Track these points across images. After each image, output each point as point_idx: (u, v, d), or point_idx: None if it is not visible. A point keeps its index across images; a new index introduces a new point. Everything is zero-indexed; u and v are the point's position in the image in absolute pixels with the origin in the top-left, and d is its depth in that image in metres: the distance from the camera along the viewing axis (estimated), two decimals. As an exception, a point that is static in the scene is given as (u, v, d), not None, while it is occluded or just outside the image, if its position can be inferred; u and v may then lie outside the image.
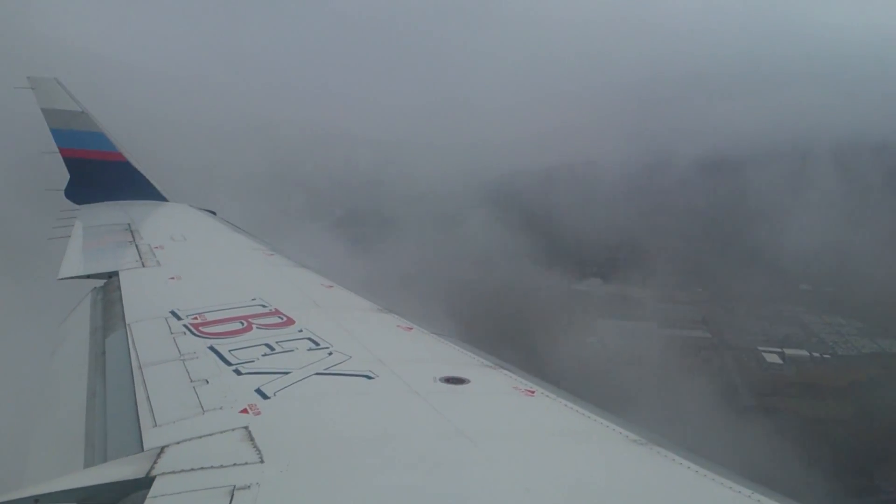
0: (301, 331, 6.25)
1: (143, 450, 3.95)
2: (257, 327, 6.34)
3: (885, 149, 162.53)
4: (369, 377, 5.13)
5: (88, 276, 9.27)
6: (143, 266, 9.36)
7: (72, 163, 15.70)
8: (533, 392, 5.12)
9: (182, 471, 3.60)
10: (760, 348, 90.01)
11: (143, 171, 16.22)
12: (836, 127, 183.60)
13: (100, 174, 15.82)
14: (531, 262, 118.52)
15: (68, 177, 15.64)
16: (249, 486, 3.39)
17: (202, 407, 4.53)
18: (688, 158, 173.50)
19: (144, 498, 3.35)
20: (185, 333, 6.18)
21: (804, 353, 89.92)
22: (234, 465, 3.64)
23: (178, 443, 3.96)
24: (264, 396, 4.65)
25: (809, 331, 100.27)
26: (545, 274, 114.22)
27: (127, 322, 6.70)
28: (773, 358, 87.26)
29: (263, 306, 7.08)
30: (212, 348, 5.72)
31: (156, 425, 4.31)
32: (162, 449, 3.88)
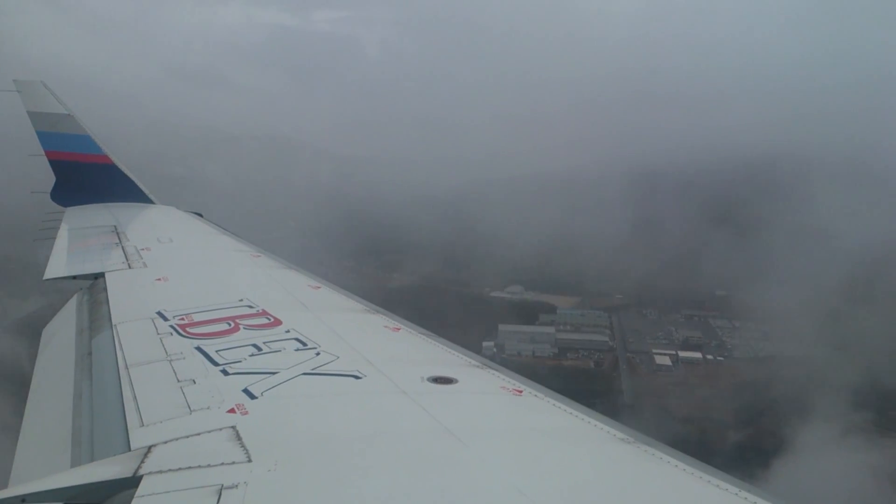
0: (288, 331, 6.24)
1: (130, 449, 3.93)
2: (244, 328, 6.33)
3: (810, 160, 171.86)
4: (357, 377, 5.13)
5: (75, 278, 9.24)
6: (130, 267, 9.33)
7: (58, 165, 15.59)
8: (521, 391, 5.13)
9: (169, 470, 3.58)
10: (654, 351, 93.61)
11: (129, 174, 16.12)
12: (763, 139, 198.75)
13: (86, 176, 15.72)
14: (458, 268, 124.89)
15: (54, 179, 15.53)
16: (237, 486, 3.38)
17: (189, 407, 4.52)
18: (619, 169, 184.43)
19: (132, 497, 3.34)
20: (171, 334, 6.17)
21: (698, 355, 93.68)
22: (222, 464, 3.63)
23: (165, 442, 3.95)
24: (252, 396, 4.64)
25: (714, 334, 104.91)
26: (469, 279, 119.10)
27: (113, 323, 6.67)
28: (664, 360, 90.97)
29: (251, 307, 7.07)
30: (199, 349, 5.70)
31: (143, 425, 4.29)
32: (149, 448, 3.86)
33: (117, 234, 11.86)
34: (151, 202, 15.94)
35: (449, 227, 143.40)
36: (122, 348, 5.86)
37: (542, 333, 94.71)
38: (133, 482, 3.48)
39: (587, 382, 77.22)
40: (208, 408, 4.48)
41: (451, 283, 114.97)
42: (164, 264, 9.65)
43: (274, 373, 5.09)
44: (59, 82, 16.81)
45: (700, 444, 63.34)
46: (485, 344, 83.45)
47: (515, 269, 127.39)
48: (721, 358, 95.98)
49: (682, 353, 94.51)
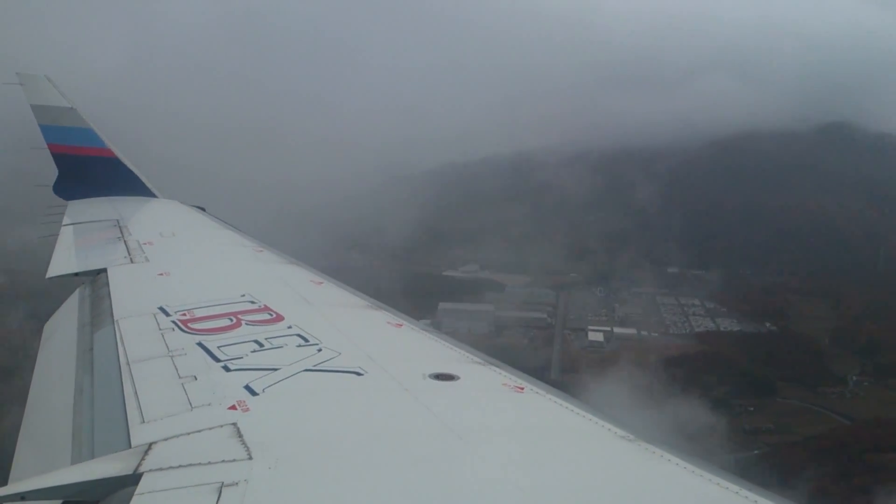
0: (290, 327, 6.21)
1: (130, 446, 3.92)
2: (246, 324, 6.31)
3: (777, 137, 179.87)
4: (359, 374, 5.11)
5: (77, 274, 9.22)
6: (132, 262, 9.31)
7: (60, 159, 15.57)
8: (522, 388, 5.11)
9: (170, 467, 3.57)
10: (590, 328, 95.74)
11: (132, 167, 16.11)
12: (721, 121, 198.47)
13: (88, 170, 15.71)
14: (418, 248, 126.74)
15: (57, 173, 15.51)
16: (237, 483, 3.37)
17: (190, 403, 4.50)
18: (580, 150, 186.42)
19: (132, 494, 3.32)
20: (173, 330, 6.14)
21: (633, 332, 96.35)
22: (223, 461, 3.61)
23: (165, 439, 3.93)
24: (253, 393, 4.62)
25: (655, 311, 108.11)
26: (428, 259, 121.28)
27: (115, 318, 6.65)
28: (597, 336, 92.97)
29: (252, 302, 7.04)
30: (200, 345, 5.68)
31: (144, 422, 4.27)
32: (150, 445, 3.84)
33: (120, 228, 11.84)
34: (154, 196, 15.91)
35: (414, 208, 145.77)
36: (123, 344, 5.84)
37: (481, 311, 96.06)
38: (133, 479, 3.47)
39: (517, 359, 79.07)
40: (209, 404, 4.46)
41: (409, 263, 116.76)
42: (166, 259, 9.60)
43: (276, 369, 5.06)
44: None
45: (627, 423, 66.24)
46: (421, 321, 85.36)
47: (476, 248, 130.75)
48: (655, 334, 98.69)
49: (617, 330, 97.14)
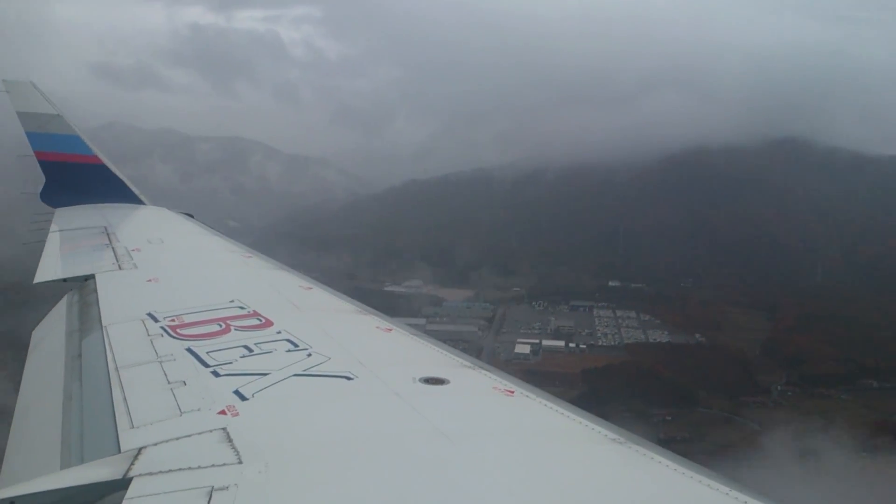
0: (280, 332, 6.22)
1: (120, 451, 3.93)
2: (235, 329, 6.31)
3: (726, 153, 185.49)
4: (349, 378, 5.13)
5: (65, 280, 9.21)
6: (120, 269, 9.32)
7: (47, 166, 15.50)
8: (512, 392, 5.13)
9: (160, 472, 3.59)
10: (518, 340, 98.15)
11: (119, 174, 16.10)
12: (673, 135, 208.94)
13: (76, 177, 15.67)
14: (368, 264, 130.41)
15: (44, 180, 15.46)
16: (228, 487, 3.39)
17: (180, 408, 4.51)
18: (528, 167, 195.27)
19: (122, 499, 3.34)
20: (162, 335, 6.16)
21: (561, 344, 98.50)
22: (213, 465, 3.63)
23: (155, 444, 3.95)
24: (242, 398, 4.64)
25: (590, 324, 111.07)
26: (375, 275, 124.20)
27: (103, 324, 6.67)
28: (523, 349, 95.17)
29: (242, 308, 7.05)
30: (189, 350, 5.69)
31: (133, 427, 4.28)
32: (139, 450, 3.86)
33: (108, 235, 11.82)
34: (142, 203, 15.89)
35: (371, 225, 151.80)
36: (112, 350, 5.86)
37: (411, 326, 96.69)
38: (123, 484, 3.49)
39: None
40: (199, 409, 4.47)
41: (353, 279, 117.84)
42: (154, 265, 9.63)
43: (265, 374, 5.09)
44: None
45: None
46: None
47: (425, 264, 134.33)
48: (584, 346, 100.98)
49: (546, 342, 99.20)
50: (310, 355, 5.59)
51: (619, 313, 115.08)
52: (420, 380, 5.14)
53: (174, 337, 6.11)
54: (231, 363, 5.36)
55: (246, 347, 5.74)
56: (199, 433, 4.06)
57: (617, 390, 77.70)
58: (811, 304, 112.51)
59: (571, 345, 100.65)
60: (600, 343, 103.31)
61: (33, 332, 8.25)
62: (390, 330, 6.94)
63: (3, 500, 3.44)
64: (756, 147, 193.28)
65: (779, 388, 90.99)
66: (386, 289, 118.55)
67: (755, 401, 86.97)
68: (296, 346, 5.84)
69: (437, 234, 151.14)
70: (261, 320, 6.63)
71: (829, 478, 58.99)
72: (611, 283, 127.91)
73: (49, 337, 7.67)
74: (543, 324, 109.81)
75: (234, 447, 3.85)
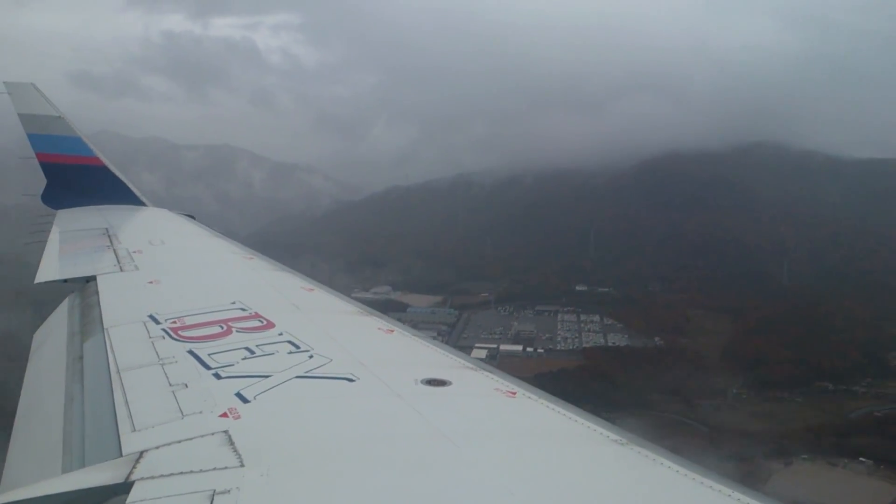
0: (281, 334, 6.20)
1: (121, 455, 3.91)
2: (237, 331, 6.29)
3: (700, 157, 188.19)
4: (350, 380, 5.12)
5: (66, 281, 9.21)
6: (122, 270, 9.30)
7: (49, 168, 15.52)
8: (514, 393, 5.12)
9: (161, 476, 3.57)
10: (476, 345, 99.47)
11: (121, 176, 16.16)
12: (647, 140, 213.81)
13: (77, 179, 15.68)
14: (344, 270, 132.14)
15: (45, 182, 15.49)
16: (230, 491, 3.37)
17: (181, 411, 4.49)
18: (506, 172, 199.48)
19: (123, 503, 3.33)
20: (163, 337, 6.13)
21: (518, 348, 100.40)
22: (214, 469, 3.61)
23: (157, 447, 3.94)
24: (244, 400, 4.63)
25: (552, 328, 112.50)
26: (342, 280, 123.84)
27: (105, 326, 6.64)
28: (480, 353, 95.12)
29: (243, 310, 7.02)
30: (191, 352, 5.66)
31: (134, 430, 4.27)
32: (141, 454, 3.84)
33: (109, 236, 11.80)
34: (143, 204, 15.89)
35: (351, 231, 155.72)
36: (113, 352, 5.84)
37: None
38: (125, 488, 3.47)
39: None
40: (200, 412, 4.45)
41: (326, 285, 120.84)
42: (155, 267, 9.61)
43: (267, 376, 5.07)
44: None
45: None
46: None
47: (399, 270, 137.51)
48: (542, 351, 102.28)
49: (504, 347, 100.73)
50: (311, 357, 5.57)
51: (583, 317, 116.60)
52: (422, 381, 5.13)
53: (176, 339, 6.10)
54: (233, 365, 5.35)
55: (248, 349, 5.72)
56: (201, 436, 4.06)
57: (568, 394, 77.08)
58: (774, 306, 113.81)
59: (530, 349, 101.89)
60: (559, 347, 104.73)
61: (35, 335, 8.26)
62: (392, 331, 6.90)
63: None
64: (729, 151, 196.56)
65: (734, 390, 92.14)
66: (353, 295, 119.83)
67: (709, 403, 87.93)
68: (297, 347, 5.82)
69: (415, 240, 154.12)
70: (262, 322, 6.61)
71: (753, 480, 60.90)
72: (578, 288, 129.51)
73: (50, 339, 7.67)
74: (505, 329, 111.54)
75: (235, 450, 3.84)
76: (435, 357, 6.14)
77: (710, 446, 71.71)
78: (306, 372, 5.25)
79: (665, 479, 3.84)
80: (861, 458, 72.55)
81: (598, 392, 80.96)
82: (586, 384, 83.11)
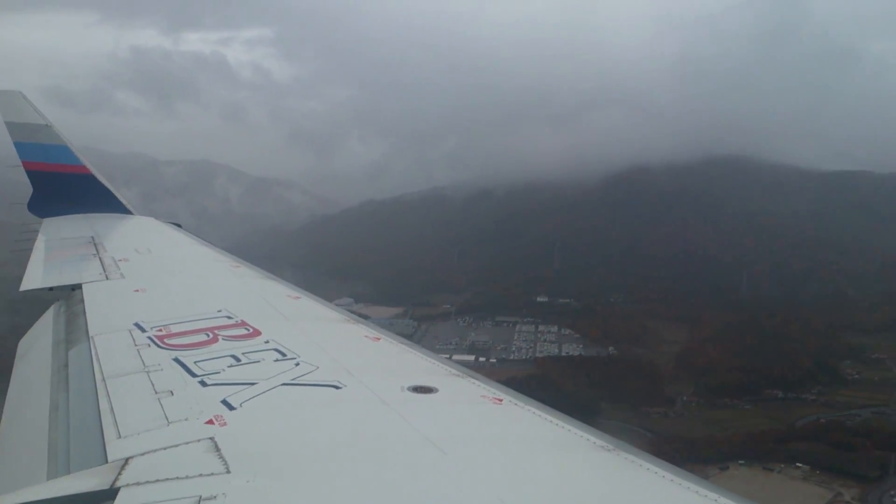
0: (267, 342, 6.18)
1: (107, 462, 3.89)
2: (223, 339, 6.26)
3: (668, 170, 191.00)
4: (337, 387, 5.11)
5: (51, 289, 9.16)
6: (107, 279, 9.25)
7: (35, 176, 15.42)
8: (501, 400, 5.11)
9: (147, 482, 3.55)
10: None
11: (107, 184, 16.09)
12: (616, 153, 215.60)
13: (64, 187, 15.56)
14: (306, 282, 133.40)
15: (31, 190, 15.42)
16: (215, 497, 3.35)
17: (167, 418, 4.46)
18: (478, 186, 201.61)
19: None
20: (149, 345, 6.10)
21: (471, 358, 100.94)
22: (200, 475, 3.60)
23: (142, 454, 3.91)
24: (230, 407, 4.60)
25: (508, 339, 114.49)
26: (309, 292, 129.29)
27: (90, 334, 6.60)
28: None
29: (229, 318, 6.99)
30: (177, 360, 5.64)
31: (120, 437, 4.24)
32: (126, 460, 3.82)
33: (95, 245, 11.75)
34: (130, 213, 15.84)
35: (323, 245, 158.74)
36: (98, 360, 5.80)
37: None
38: (110, 494, 3.45)
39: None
40: (186, 419, 4.43)
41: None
42: (141, 275, 9.58)
43: (253, 383, 5.05)
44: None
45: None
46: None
47: (364, 282, 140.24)
48: (494, 361, 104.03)
49: (456, 357, 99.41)
50: (298, 364, 5.56)
51: (540, 328, 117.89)
52: (408, 388, 5.11)
53: (161, 347, 6.07)
54: (219, 373, 5.32)
55: (234, 357, 5.70)
56: (187, 443, 4.04)
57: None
58: (731, 316, 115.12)
59: (482, 359, 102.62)
60: (512, 357, 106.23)
61: (20, 343, 8.20)
62: (378, 339, 6.91)
63: None
64: (696, 164, 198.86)
65: (684, 398, 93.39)
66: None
67: (657, 411, 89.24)
68: (284, 355, 5.80)
69: (385, 253, 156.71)
70: (249, 330, 6.59)
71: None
72: (539, 299, 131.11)
73: (35, 347, 7.62)
74: (461, 339, 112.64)
75: (221, 457, 3.82)
76: (421, 364, 6.14)
77: (651, 452, 74.57)
78: (293, 379, 5.25)
79: (652, 486, 3.86)
80: (797, 464, 74.41)
81: (545, 400, 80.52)
82: (533, 393, 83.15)
